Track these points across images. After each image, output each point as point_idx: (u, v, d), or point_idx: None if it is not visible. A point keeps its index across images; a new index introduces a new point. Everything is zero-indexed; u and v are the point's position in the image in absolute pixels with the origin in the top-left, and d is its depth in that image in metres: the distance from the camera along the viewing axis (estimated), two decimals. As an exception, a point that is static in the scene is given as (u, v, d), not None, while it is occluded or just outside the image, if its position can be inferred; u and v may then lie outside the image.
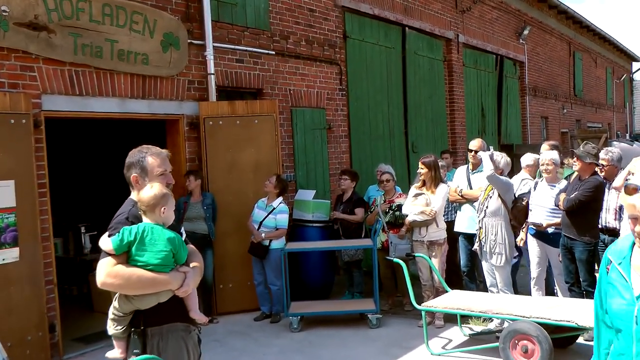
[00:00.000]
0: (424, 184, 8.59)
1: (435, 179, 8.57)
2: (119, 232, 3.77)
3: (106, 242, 3.78)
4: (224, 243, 9.41)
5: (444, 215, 8.87)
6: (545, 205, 8.10)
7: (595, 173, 7.77)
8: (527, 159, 9.18)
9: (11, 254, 7.06)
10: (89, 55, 8.05)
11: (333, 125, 12.04)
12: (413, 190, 8.71)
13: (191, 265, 4.05)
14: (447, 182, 9.09)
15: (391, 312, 9.28)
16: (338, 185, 10.24)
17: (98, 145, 12.14)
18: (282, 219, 9.12)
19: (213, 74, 9.59)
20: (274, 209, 9.07)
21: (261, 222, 9.03)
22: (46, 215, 7.62)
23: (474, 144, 9.10)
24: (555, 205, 7.91)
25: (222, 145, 9.45)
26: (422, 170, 8.53)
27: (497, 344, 6.86)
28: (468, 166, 8.98)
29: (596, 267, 7.98)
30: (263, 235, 8.94)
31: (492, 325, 8.03)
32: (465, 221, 8.93)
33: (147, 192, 3.82)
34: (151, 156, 4.06)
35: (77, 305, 10.09)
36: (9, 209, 7.04)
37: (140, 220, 3.87)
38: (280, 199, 9.17)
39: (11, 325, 6.93)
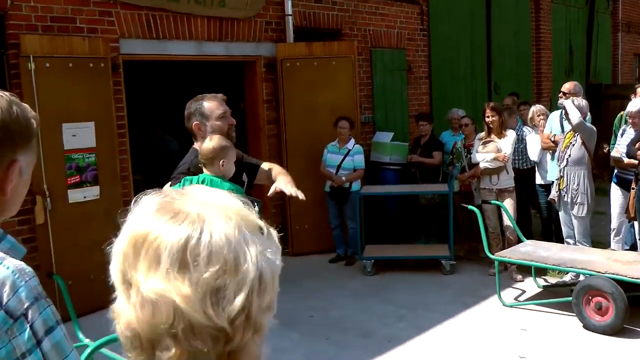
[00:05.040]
0: (489, 131, 8.45)
1: (503, 123, 8.45)
2: (180, 182, 3.85)
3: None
4: (300, 184, 9.27)
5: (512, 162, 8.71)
6: None
7: None
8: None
9: (92, 192, 7.34)
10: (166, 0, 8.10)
11: (413, 67, 11.83)
12: (478, 139, 8.60)
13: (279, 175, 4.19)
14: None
15: (466, 258, 9.21)
16: (418, 131, 10.11)
17: (177, 87, 12.24)
18: (360, 159, 9.13)
19: (291, 15, 9.51)
20: (349, 150, 9.05)
21: (339, 166, 9.02)
22: (125, 155, 7.83)
23: (567, 86, 8.79)
24: (629, 156, 7.61)
25: (298, 87, 9.43)
26: (492, 117, 8.38)
27: (570, 298, 6.74)
28: (562, 111, 8.48)
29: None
30: (344, 178, 8.95)
31: (567, 278, 7.88)
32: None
33: (206, 144, 3.91)
34: (208, 101, 4.13)
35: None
36: (90, 149, 7.29)
37: (202, 171, 3.95)
38: (353, 140, 9.13)
39: (93, 260, 7.09)
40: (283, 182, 4.05)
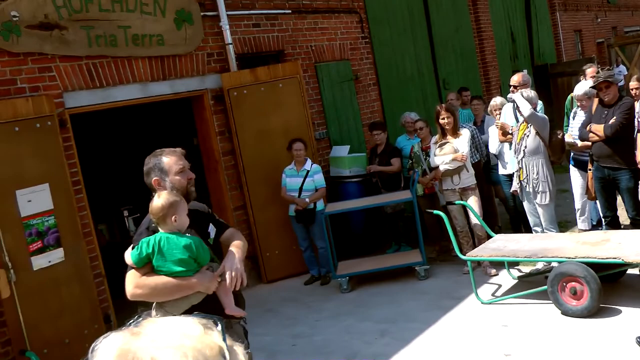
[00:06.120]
0: (443, 133, 8.50)
1: (457, 123, 8.53)
2: (137, 244, 3.83)
3: (128, 257, 3.85)
4: (265, 211, 9.45)
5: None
6: None
7: (622, 96, 7.64)
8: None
9: (56, 255, 7.16)
10: (104, 46, 8.01)
11: (360, 75, 11.86)
12: (433, 143, 8.64)
13: (233, 248, 4.09)
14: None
15: (439, 259, 9.26)
16: (373, 140, 10.11)
17: (126, 131, 12.11)
18: (320, 178, 9.10)
19: (231, 44, 9.47)
20: (308, 171, 9.02)
21: (301, 188, 8.99)
22: (85, 211, 7.69)
23: (515, 79, 8.89)
24: (582, 139, 7.75)
25: (249, 114, 9.39)
26: (447, 118, 8.43)
27: (545, 287, 6.79)
28: (514, 104, 8.26)
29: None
30: (307, 200, 8.92)
31: (540, 265, 7.95)
32: None
33: (155, 203, 3.85)
34: (166, 156, 4.10)
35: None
36: (48, 211, 7.10)
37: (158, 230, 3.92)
38: (309, 160, 9.12)
39: (66, 323, 7.07)
40: (229, 263, 4.00)
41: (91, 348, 1.14)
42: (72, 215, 7.40)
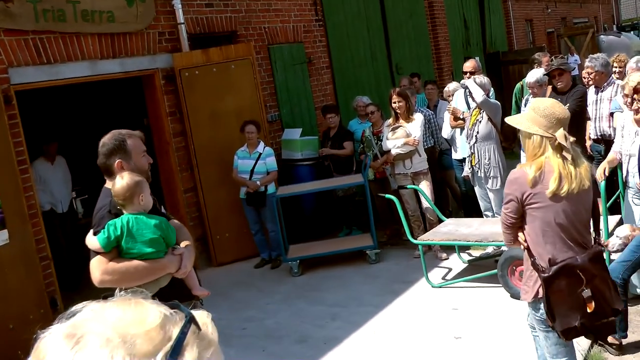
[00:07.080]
0: (396, 117, 8.49)
1: (410, 108, 8.51)
2: (103, 228, 3.70)
3: (93, 241, 3.71)
4: (215, 193, 9.33)
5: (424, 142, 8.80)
6: None
7: (575, 84, 7.75)
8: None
9: (0, 237, 6.94)
10: (52, 20, 7.77)
11: (313, 58, 11.79)
12: (386, 127, 8.62)
13: (182, 244, 4.01)
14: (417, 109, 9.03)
15: (390, 243, 9.27)
16: (327, 123, 10.04)
17: (77, 109, 11.84)
18: (272, 161, 9.00)
19: (183, 23, 9.28)
20: (260, 154, 8.92)
21: (252, 171, 8.88)
22: (31, 192, 7.47)
23: (468, 65, 8.93)
24: None
25: (201, 95, 9.24)
26: (398, 102, 8.41)
27: (495, 270, 6.84)
28: (466, 90, 8.33)
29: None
30: (258, 182, 8.83)
31: (490, 249, 8.01)
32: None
33: (119, 184, 3.72)
34: (130, 138, 4.00)
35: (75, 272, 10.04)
36: (-9, 192, 6.89)
37: (122, 212, 3.80)
38: (262, 143, 9.02)
39: (10, 308, 6.84)
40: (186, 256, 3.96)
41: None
42: (17, 196, 7.15)
